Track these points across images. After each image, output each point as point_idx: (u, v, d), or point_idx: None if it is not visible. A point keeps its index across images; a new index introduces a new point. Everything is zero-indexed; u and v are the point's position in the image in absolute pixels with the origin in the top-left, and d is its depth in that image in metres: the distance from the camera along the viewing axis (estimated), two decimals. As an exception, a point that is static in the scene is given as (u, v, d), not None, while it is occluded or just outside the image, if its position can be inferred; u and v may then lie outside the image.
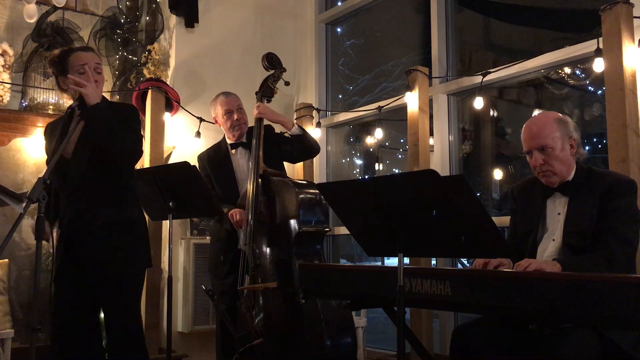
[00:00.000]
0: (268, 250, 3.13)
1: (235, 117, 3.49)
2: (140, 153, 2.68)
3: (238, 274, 3.29)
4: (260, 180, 3.22)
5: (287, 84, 3.54)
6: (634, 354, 1.97)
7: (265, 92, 3.46)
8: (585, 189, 2.29)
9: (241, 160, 3.52)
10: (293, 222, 3.06)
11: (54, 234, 2.64)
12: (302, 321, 2.95)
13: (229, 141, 3.56)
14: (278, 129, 3.60)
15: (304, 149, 3.45)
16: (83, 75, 2.54)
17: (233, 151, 3.53)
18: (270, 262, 3.11)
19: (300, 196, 3.05)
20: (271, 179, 3.20)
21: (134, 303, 2.68)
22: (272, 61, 3.48)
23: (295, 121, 3.50)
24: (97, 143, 2.54)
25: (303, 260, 3.05)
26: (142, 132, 2.78)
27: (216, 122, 3.61)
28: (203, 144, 4.36)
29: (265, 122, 3.47)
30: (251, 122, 3.53)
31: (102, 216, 2.57)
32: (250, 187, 3.22)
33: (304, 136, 3.40)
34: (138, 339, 2.64)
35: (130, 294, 2.65)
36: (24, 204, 2.24)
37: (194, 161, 3.34)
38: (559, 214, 2.35)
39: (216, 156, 3.55)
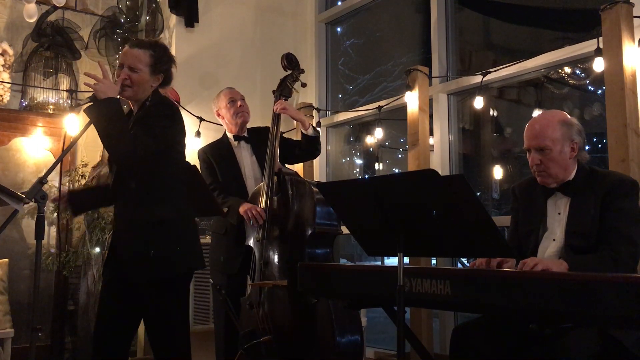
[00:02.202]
0: (279, 248, 3.13)
1: (239, 104, 3.50)
2: (140, 153, 2.38)
3: (244, 271, 3.29)
4: (275, 178, 3.22)
5: (304, 85, 3.56)
6: (637, 352, 1.97)
7: (284, 91, 3.47)
8: (587, 189, 2.29)
9: (244, 153, 3.52)
10: (308, 222, 3.06)
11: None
12: (312, 319, 2.95)
13: (230, 134, 3.56)
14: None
15: (310, 151, 3.47)
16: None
17: (235, 143, 3.53)
18: (281, 260, 3.11)
19: (317, 196, 3.04)
20: (286, 178, 3.20)
21: (174, 310, 2.52)
22: (291, 61, 3.49)
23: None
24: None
25: (314, 260, 3.05)
26: (165, 129, 2.49)
27: (218, 115, 3.58)
28: (203, 144, 4.35)
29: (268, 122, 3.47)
30: (265, 120, 3.53)
31: (135, 216, 2.49)
32: (264, 184, 3.22)
33: (317, 139, 3.43)
34: (179, 349, 2.53)
35: (168, 300, 2.49)
36: (23, 204, 2.24)
37: (194, 161, 3.33)
38: (559, 213, 2.34)
39: (219, 148, 3.54)
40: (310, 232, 3.04)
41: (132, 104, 2.62)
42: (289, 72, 3.49)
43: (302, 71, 3.53)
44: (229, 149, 3.53)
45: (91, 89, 2.43)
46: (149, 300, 2.47)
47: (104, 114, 2.40)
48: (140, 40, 2.71)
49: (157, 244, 2.45)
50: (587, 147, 2.40)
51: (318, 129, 3.49)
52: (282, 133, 3.49)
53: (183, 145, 2.66)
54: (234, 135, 3.54)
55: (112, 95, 2.43)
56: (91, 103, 2.42)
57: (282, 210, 3.17)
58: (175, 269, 2.49)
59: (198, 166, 3.32)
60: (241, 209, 3.22)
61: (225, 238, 3.42)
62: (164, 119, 2.53)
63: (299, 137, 3.62)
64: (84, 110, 2.43)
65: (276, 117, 3.38)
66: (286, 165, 3.56)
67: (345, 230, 4.19)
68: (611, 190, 2.22)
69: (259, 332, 3.04)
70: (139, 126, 2.46)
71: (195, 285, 4.29)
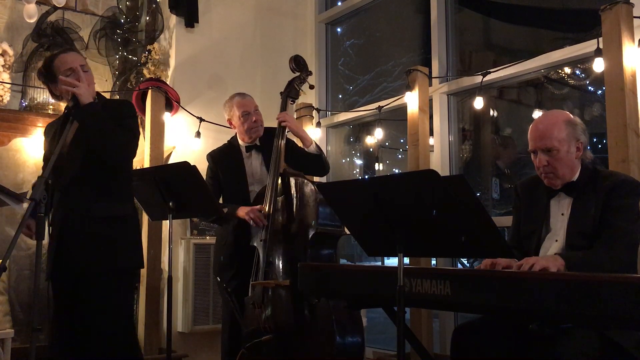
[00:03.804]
0: (283, 248, 3.14)
1: (254, 119, 3.44)
2: (132, 151, 2.66)
3: (243, 278, 3.29)
4: (279, 178, 3.22)
5: (311, 87, 3.54)
6: (636, 353, 1.97)
7: (291, 93, 3.47)
8: (590, 190, 2.29)
9: (255, 163, 3.49)
10: (311, 222, 3.06)
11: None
12: (313, 319, 2.96)
13: (242, 143, 3.52)
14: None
15: (317, 166, 3.45)
16: (72, 76, 2.58)
17: (247, 154, 3.50)
18: (284, 261, 3.12)
19: (320, 197, 3.05)
20: (291, 179, 3.20)
21: (121, 301, 2.63)
22: (299, 64, 3.48)
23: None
24: (90, 141, 2.57)
25: (317, 260, 3.06)
26: (139, 129, 2.75)
27: (231, 124, 3.55)
28: (203, 144, 4.36)
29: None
30: (265, 121, 3.52)
31: (94, 211, 2.57)
32: (269, 184, 3.22)
33: (320, 157, 3.40)
34: (121, 341, 2.59)
35: (117, 290, 2.59)
36: (24, 204, 2.24)
37: (194, 161, 3.34)
38: (562, 214, 2.34)
39: (228, 157, 3.51)
40: (313, 232, 3.04)
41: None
42: (297, 74, 3.47)
43: (310, 73, 3.51)
44: (239, 157, 3.49)
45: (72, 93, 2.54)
46: (89, 293, 2.53)
47: (96, 116, 2.51)
48: (57, 51, 2.87)
49: (106, 239, 2.55)
50: (587, 148, 2.40)
51: (319, 149, 3.43)
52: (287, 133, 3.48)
53: None
54: (246, 145, 3.51)
55: (92, 98, 2.55)
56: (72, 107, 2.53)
57: (286, 211, 3.18)
58: (118, 264, 2.59)
59: (203, 168, 3.33)
60: (241, 212, 3.22)
61: (225, 248, 3.44)
62: (134, 119, 2.72)
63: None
64: (72, 115, 2.51)
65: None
66: None
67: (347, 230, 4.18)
68: (613, 190, 2.23)
69: (261, 332, 3.05)
70: (118, 126, 2.58)
71: (195, 285, 4.30)
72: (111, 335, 2.56)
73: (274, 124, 3.43)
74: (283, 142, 3.31)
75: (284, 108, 3.43)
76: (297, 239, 3.11)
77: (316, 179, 4.98)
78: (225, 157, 3.51)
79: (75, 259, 2.56)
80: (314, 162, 3.39)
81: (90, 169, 2.59)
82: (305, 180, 3.21)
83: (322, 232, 3.06)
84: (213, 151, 3.61)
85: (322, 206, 3.05)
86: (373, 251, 2.36)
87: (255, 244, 3.23)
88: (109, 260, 2.55)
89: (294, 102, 3.49)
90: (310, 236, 3.05)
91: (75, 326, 2.59)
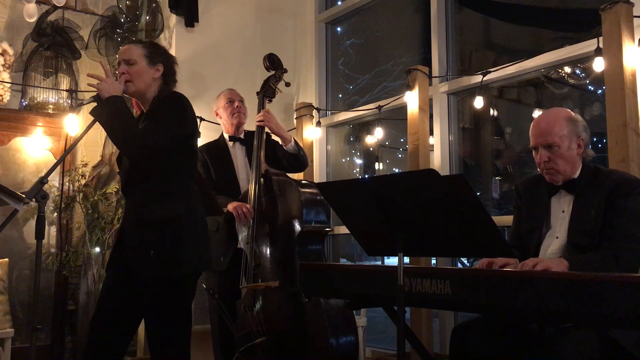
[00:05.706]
0: (269, 249, 3.14)
1: (236, 104, 3.55)
2: (157, 144, 2.36)
3: (237, 273, 3.29)
4: (262, 179, 3.23)
5: (287, 85, 3.58)
6: (637, 353, 1.97)
7: (267, 92, 3.50)
8: (591, 188, 2.29)
9: (239, 153, 3.55)
10: (296, 222, 3.07)
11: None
12: (305, 320, 2.96)
13: (227, 135, 3.60)
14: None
15: (294, 165, 3.48)
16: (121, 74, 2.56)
17: (231, 143, 3.57)
18: (272, 262, 3.11)
19: (304, 196, 3.06)
20: (273, 179, 3.21)
21: (173, 311, 2.45)
22: (273, 62, 3.52)
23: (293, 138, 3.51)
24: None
25: (305, 259, 3.05)
26: (175, 121, 2.44)
27: (217, 114, 3.64)
28: (203, 144, 4.36)
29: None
30: (252, 124, 3.54)
31: (144, 213, 2.45)
32: (252, 186, 3.23)
33: (297, 155, 3.44)
34: (175, 348, 2.45)
35: (167, 300, 2.43)
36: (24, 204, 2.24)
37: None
38: (563, 211, 2.35)
39: (215, 148, 3.58)
40: (299, 231, 3.05)
41: (143, 103, 2.61)
42: (272, 72, 3.51)
43: (285, 71, 3.56)
44: (225, 149, 3.56)
45: (94, 90, 2.44)
46: (149, 299, 2.43)
47: (109, 112, 2.40)
48: (133, 40, 2.77)
49: (159, 244, 2.40)
50: (589, 146, 2.40)
51: (297, 146, 3.46)
52: (268, 135, 3.50)
53: (195, 139, 2.61)
54: (229, 136, 3.57)
55: (116, 93, 2.43)
56: (94, 102, 2.44)
57: (270, 211, 3.19)
58: (176, 269, 2.42)
59: None
60: (230, 206, 3.23)
61: (216, 235, 3.42)
62: (174, 111, 2.49)
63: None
64: (90, 112, 2.44)
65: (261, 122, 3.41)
66: None
67: (335, 230, 4.20)
68: (615, 189, 2.22)
69: (254, 335, 3.04)
70: (149, 120, 2.46)
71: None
72: (165, 343, 2.44)
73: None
74: (263, 143, 3.33)
75: (261, 107, 3.47)
76: (284, 238, 3.11)
77: (315, 178, 4.98)
78: (213, 149, 3.57)
79: (127, 263, 2.46)
80: (292, 160, 3.43)
81: (140, 170, 2.48)
82: (289, 180, 3.22)
83: (308, 230, 3.06)
84: (200, 146, 3.63)
85: (306, 204, 3.06)
86: (373, 251, 2.37)
87: (241, 246, 3.24)
88: (153, 267, 2.40)
89: (271, 100, 3.53)
90: (296, 235, 3.06)
91: (119, 322, 2.48)
